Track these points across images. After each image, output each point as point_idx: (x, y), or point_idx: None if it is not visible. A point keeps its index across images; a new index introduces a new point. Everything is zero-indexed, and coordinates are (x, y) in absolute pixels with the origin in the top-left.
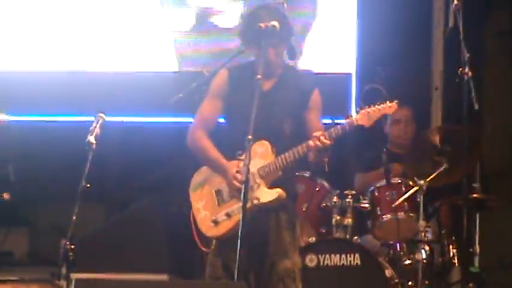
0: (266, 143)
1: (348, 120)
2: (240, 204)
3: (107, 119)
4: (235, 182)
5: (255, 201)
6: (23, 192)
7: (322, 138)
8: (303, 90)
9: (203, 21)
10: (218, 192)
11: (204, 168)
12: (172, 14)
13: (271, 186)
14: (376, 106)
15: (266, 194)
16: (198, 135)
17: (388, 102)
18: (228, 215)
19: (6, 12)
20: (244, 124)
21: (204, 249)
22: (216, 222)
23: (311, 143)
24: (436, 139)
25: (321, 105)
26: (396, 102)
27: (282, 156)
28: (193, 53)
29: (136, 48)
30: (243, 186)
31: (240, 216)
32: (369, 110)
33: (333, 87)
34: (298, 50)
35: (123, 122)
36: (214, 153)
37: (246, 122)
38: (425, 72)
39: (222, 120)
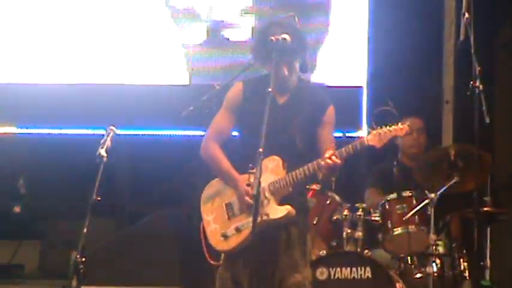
0: (277, 158)
1: (359, 140)
2: (250, 218)
3: (118, 132)
4: (246, 197)
5: (264, 217)
6: (33, 206)
7: (333, 157)
8: (318, 105)
9: (215, 35)
10: (228, 206)
11: (216, 180)
12: (184, 27)
13: (281, 202)
14: (388, 127)
15: (275, 211)
16: (211, 147)
17: (399, 124)
18: (238, 229)
19: (17, 25)
20: (256, 137)
21: (212, 262)
22: (225, 236)
23: (322, 162)
24: (451, 154)
25: (334, 120)
26: (407, 125)
27: (293, 173)
28: (205, 66)
29: (147, 62)
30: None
31: (250, 230)
32: (380, 131)
33: (344, 101)
34: (311, 64)
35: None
36: (226, 165)
37: (258, 135)
38: (436, 85)
39: (236, 133)
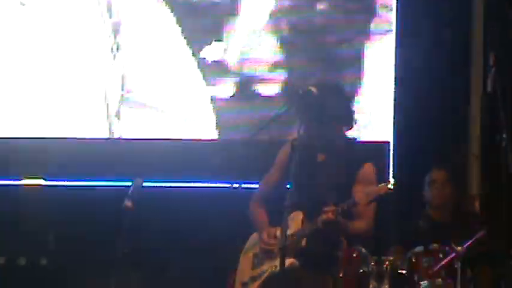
0: (300, 213)
1: (352, 199)
2: (264, 268)
3: (145, 184)
4: (262, 245)
5: (273, 268)
6: (60, 259)
7: (329, 213)
8: (353, 162)
9: (245, 89)
10: (255, 256)
11: (256, 232)
12: (214, 80)
13: (296, 255)
14: (374, 187)
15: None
16: (254, 201)
17: (382, 184)
18: (253, 279)
19: (41, 79)
20: (298, 193)
21: None
22: (244, 285)
23: (319, 218)
24: (475, 206)
25: (370, 178)
26: (386, 185)
27: (301, 227)
28: (234, 120)
29: (176, 115)
30: (269, 248)
31: (261, 281)
32: (368, 190)
33: (371, 156)
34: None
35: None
36: (261, 219)
37: (300, 191)
38: (463, 138)
39: None
